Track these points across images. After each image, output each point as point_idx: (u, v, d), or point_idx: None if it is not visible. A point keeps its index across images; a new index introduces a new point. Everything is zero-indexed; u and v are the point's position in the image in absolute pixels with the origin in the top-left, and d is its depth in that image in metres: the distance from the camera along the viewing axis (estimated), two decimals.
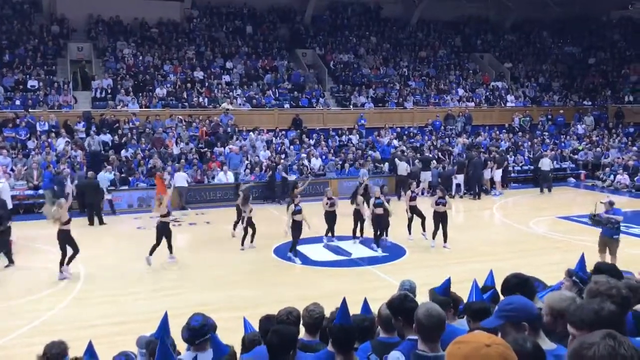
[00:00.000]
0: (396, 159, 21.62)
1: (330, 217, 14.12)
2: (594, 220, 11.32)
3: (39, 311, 9.71)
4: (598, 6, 34.57)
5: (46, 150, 20.09)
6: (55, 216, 11.43)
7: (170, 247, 12.81)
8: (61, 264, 11.57)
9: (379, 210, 13.36)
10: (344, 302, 3.87)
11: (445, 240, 13.78)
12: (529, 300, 3.44)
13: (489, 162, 21.93)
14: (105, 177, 18.93)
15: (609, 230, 10.95)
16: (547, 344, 2.86)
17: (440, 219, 13.76)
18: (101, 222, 17.19)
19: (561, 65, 33.94)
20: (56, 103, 23.10)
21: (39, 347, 4.86)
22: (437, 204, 13.75)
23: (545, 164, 22.69)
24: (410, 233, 14.52)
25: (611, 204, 11.15)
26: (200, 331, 4.13)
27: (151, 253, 12.43)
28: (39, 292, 10.72)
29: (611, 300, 3.01)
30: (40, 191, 18.52)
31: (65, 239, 11.55)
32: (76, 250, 11.71)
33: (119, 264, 12.68)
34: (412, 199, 14.43)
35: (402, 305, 3.69)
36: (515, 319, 2.86)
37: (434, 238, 13.90)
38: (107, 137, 21.71)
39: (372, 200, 13.73)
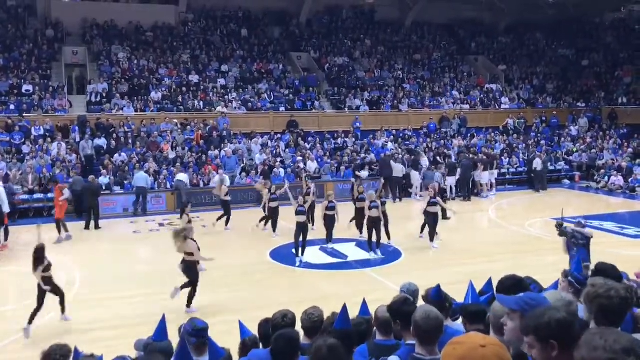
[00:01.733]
0: (391, 161, 21.70)
1: (330, 221, 14.01)
2: (561, 230, 9.90)
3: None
4: (591, 8, 34.73)
5: (40, 154, 20.03)
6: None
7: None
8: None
9: (374, 213, 13.36)
10: (344, 308, 3.87)
11: (431, 240, 13.89)
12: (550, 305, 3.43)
13: (478, 164, 22.02)
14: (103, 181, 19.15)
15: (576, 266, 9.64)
16: None
17: (432, 219, 13.81)
18: (97, 227, 17.14)
19: (555, 67, 34.09)
20: (51, 107, 23.05)
21: (35, 353, 4.84)
22: (429, 204, 13.80)
23: (538, 164, 22.85)
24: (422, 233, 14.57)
25: (580, 224, 10.06)
26: (206, 331, 4.18)
27: None
28: (34, 297, 10.66)
29: (609, 302, 3.01)
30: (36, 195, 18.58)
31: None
32: None
33: (114, 268, 12.66)
34: (432, 204, 13.95)
35: (401, 308, 3.70)
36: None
37: (432, 240, 13.93)
38: (101, 142, 21.68)
39: (367, 203, 13.69)
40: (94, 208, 17.23)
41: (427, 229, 14.27)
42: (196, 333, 4.19)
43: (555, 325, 2.39)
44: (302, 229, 12.87)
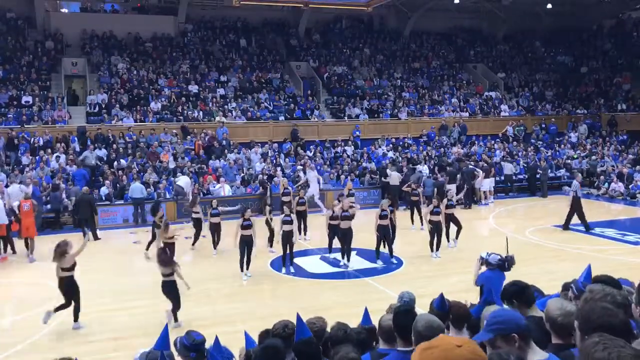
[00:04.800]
0: (387, 170, 21.71)
1: (333, 231, 13.88)
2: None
3: (34, 328, 9.60)
4: (589, 16, 34.87)
5: (41, 165, 20.03)
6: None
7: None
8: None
9: (384, 222, 13.33)
10: (298, 317, 3.84)
11: (437, 249, 13.88)
12: (517, 311, 3.45)
13: (476, 172, 22.00)
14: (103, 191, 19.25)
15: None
16: (538, 354, 2.83)
17: (435, 228, 13.79)
18: (95, 237, 17.06)
19: (554, 74, 34.17)
20: (50, 118, 23.06)
21: None
22: (432, 213, 13.80)
23: (507, 169, 23.51)
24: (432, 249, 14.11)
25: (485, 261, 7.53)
26: (204, 344, 4.14)
27: None
28: (34, 309, 10.61)
29: None
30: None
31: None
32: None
33: (114, 279, 12.60)
34: (435, 213, 13.95)
35: (406, 317, 3.64)
36: (504, 332, 2.82)
37: (432, 250, 13.88)
38: (102, 152, 21.68)
39: (377, 211, 13.64)
40: (87, 219, 17.16)
41: (441, 236, 14.24)
42: (195, 347, 4.14)
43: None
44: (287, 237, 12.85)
